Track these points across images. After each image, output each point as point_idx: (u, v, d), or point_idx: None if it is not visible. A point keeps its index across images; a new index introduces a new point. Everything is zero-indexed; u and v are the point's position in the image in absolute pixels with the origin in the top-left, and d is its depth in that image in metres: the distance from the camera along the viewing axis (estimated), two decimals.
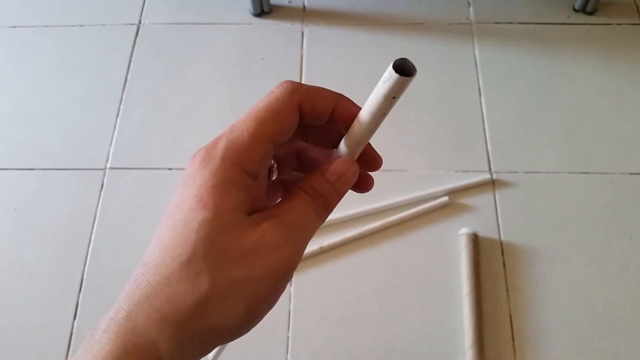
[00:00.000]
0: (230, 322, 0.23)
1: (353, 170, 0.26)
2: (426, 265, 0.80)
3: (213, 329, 0.22)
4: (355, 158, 0.27)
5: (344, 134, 0.27)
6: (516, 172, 0.87)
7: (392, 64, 0.23)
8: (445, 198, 0.83)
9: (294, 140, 0.27)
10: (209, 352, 0.24)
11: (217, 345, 0.23)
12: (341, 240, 0.81)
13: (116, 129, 0.93)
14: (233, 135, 0.24)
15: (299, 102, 0.25)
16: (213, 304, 0.22)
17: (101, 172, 0.89)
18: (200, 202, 0.23)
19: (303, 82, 0.97)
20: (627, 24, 1.03)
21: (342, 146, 0.26)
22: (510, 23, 1.03)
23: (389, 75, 0.23)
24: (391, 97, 0.24)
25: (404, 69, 0.23)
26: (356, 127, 0.26)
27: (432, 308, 0.77)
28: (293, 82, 0.25)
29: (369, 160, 0.28)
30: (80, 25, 1.05)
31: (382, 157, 0.28)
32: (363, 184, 0.28)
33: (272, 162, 0.27)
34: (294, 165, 0.29)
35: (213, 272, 0.22)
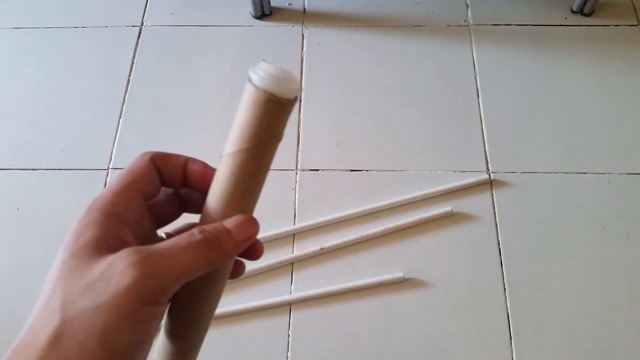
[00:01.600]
0: (85, 354, 0.21)
1: (254, 225, 0.26)
2: (424, 267, 0.81)
3: None
4: (250, 212, 0.26)
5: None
6: (514, 172, 0.87)
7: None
8: (449, 208, 0.84)
9: (173, 207, 0.30)
10: None
11: None
12: (342, 242, 0.82)
13: (119, 130, 0.94)
14: (102, 192, 0.26)
15: (152, 158, 0.27)
16: (65, 341, 0.21)
17: (104, 172, 0.90)
18: (63, 247, 0.24)
19: (303, 83, 0.98)
20: (624, 25, 1.03)
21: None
22: (508, 25, 1.04)
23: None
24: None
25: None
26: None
27: (432, 306, 0.78)
28: (150, 152, 0.27)
29: (251, 249, 0.28)
30: (83, 27, 1.06)
31: (263, 248, 0.29)
32: (253, 251, 0.28)
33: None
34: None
35: (63, 307, 0.22)
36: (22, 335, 0.22)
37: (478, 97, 0.96)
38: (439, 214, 0.84)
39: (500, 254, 0.81)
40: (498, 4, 1.06)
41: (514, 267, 0.80)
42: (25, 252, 0.83)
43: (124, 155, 0.91)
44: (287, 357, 0.75)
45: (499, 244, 0.82)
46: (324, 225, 0.84)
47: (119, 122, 0.95)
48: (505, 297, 0.78)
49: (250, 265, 0.79)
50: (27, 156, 0.92)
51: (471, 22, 1.04)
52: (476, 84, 0.97)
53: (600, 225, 0.84)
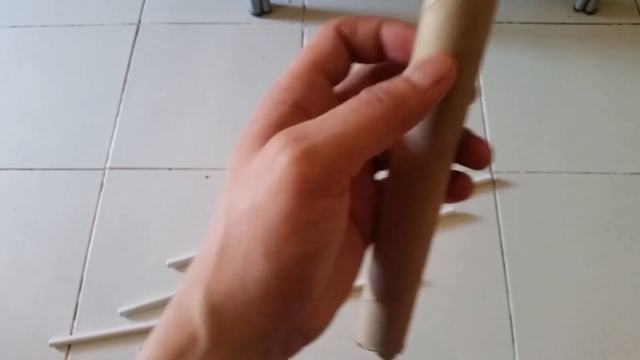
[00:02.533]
0: (255, 274, 0.17)
1: (452, 69, 0.18)
2: (429, 266, 0.80)
3: (240, 287, 0.17)
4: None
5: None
6: (517, 172, 0.87)
7: None
8: (451, 208, 0.83)
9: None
10: (258, 343, 0.18)
11: (264, 327, 0.18)
12: None
13: (116, 129, 0.93)
14: (280, 76, 0.21)
15: (337, 27, 0.22)
16: (231, 251, 0.18)
17: (101, 172, 0.89)
18: (234, 149, 0.19)
19: None
20: (627, 23, 1.03)
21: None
22: (511, 23, 1.03)
23: None
24: None
25: None
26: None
27: (431, 307, 0.77)
28: (334, 22, 0.22)
29: (471, 151, 0.21)
30: (80, 25, 1.05)
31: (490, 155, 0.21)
32: (460, 189, 0.22)
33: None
34: None
35: (227, 211, 0.18)
36: (200, 246, 0.19)
37: (480, 95, 0.95)
38: (441, 215, 0.83)
39: (503, 255, 0.80)
40: (500, 1, 1.05)
41: (517, 268, 0.79)
42: (22, 252, 0.82)
43: (121, 155, 0.90)
44: None
45: (501, 244, 0.81)
46: None
47: (116, 121, 0.94)
48: (508, 298, 0.77)
49: None
50: (24, 156, 0.91)
51: None
52: (479, 82, 0.96)
53: (603, 225, 0.83)
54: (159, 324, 0.19)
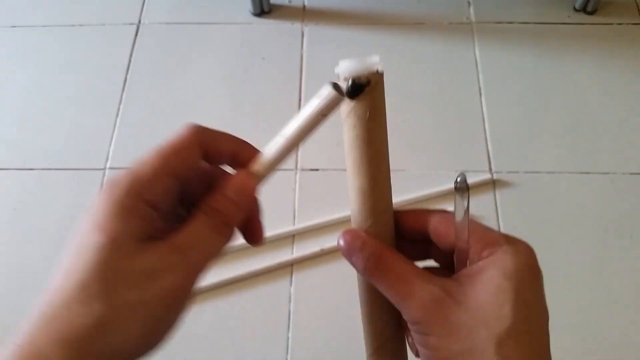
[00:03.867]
0: (129, 344, 0.23)
1: (251, 182, 0.26)
2: (427, 265, 0.80)
3: (111, 351, 0.23)
4: (264, 175, 0.26)
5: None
6: (517, 172, 0.87)
7: (329, 82, 0.25)
8: (451, 208, 0.83)
9: (202, 188, 0.28)
10: None
11: None
12: None
13: (116, 129, 0.93)
14: (137, 168, 0.25)
15: (200, 141, 0.26)
16: (109, 327, 0.22)
17: (101, 172, 0.89)
18: (97, 227, 0.24)
19: (303, 81, 0.97)
20: (627, 23, 1.03)
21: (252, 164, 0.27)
22: (511, 23, 1.03)
23: (325, 92, 0.25)
24: (321, 115, 0.25)
25: (338, 89, 0.25)
26: (274, 143, 0.26)
27: None
28: (197, 124, 0.27)
29: (253, 232, 0.28)
30: (80, 25, 1.05)
31: (263, 235, 0.29)
32: (254, 234, 0.28)
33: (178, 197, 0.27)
34: None
35: (107, 295, 0.23)
36: (54, 305, 0.23)
37: (480, 95, 0.95)
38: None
39: None
40: (500, 1, 1.05)
41: None
42: (22, 252, 0.82)
43: (121, 155, 0.90)
44: (287, 358, 0.74)
45: None
46: (324, 226, 0.83)
47: (116, 121, 0.94)
48: None
49: (247, 267, 0.78)
50: (24, 156, 0.91)
51: (473, 20, 1.03)
52: (478, 82, 0.96)
53: (603, 225, 0.83)
54: None
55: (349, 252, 0.28)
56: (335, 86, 0.25)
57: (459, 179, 0.26)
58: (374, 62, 0.25)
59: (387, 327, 0.30)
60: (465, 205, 0.26)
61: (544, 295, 0.26)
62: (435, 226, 0.28)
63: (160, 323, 0.24)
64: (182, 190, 0.26)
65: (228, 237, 0.26)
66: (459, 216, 0.26)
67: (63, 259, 0.24)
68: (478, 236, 0.26)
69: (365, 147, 0.27)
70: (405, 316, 0.26)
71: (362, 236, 0.28)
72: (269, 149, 0.26)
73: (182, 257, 0.24)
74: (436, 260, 0.30)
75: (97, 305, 0.22)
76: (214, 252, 0.25)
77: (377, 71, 0.25)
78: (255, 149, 0.27)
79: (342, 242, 0.29)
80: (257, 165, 0.26)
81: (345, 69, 0.26)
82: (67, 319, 0.23)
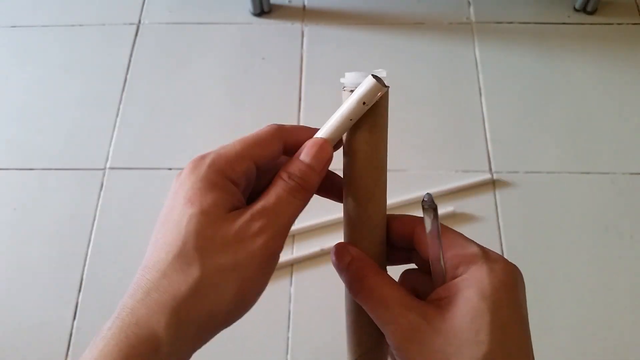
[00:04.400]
0: (223, 306, 0.25)
1: (326, 146, 0.27)
2: None
3: (207, 314, 0.24)
4: (332, 142, 0.28)
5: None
6: (516, 172, 0.87)
7: (370, 74, 0.26)
8: (451, 208, 0.83)
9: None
10: (208, 340, 0.25)
11: (215, 332, 0.25)
12: None
13: (116, 129, 0.93)
14: (222, 150, 0.27)
15: (281, 136, 0.28)
16: (205, 291, 0.24)
17: (101, 172, 0.89)
18: (189, 202, 0.25)
19: (303, 81, 0.97)
20: (627, 23, 1.03)
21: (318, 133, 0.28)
22: (511, 23, 1.03)
23: (367, 82, 0.26)
24: (362, 102, 0.26)
25: (379, 80, 0.26)
26: (326, 125, 0.28)
27: None
28: (278, 124, 0.29)
29: (334, 190, 0.30)
30: (80, 25, 1.05)
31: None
32: (335, 192, 0.30)
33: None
34: None
35: (202, 261, 0.24)
36: (151, 278, 0.24)
37: (480, 95, 0.95)
38: (440, 215, 0.83)
39: (502, 255, 0.80)
40: (500, 1, 1.05)
41: None
42: (22, 252, 0.82)
43: (121, 155, 0.90)
44: (287, 358, 0.74)
45: (501, 244, 0.81)
46: (324, 226, 0.83)
47: (115, 121, 0.94)
48: None
49: None
50: (24, 156, 0.91)
51: (473, 20, 1.03)
52: (478, 82, 0.96)
53: (603, 225, 0.83)
54: (108, 343, 0.24)
55: (337, 267, 0.29)
56: (376, 77, 0.26)
57: (425, 199, 0.26)
58: (383, 71, 0.27)
59: (369, 338, 0.31)
60: (434, 225, 0.26)
61: (524, 314, 0.26)
62: (419, 236, 0.28)
63: (251, 284, 0.25)
64: (259, 177, 0.28)
65: (306, 199, 0.27)
66: (431, 236, 0.26)
67: (157, 236, 0.26)
68: (455, 251, 0.27)
69: (364, 161, 0.28)
70: (386, 339, 0.27)
71: (351, 253, 0.29)
72: (322, 130, 0.28)
73: (266, 220, 0.26)
74: (418, 265, 0.31)
75: (194, 272, 0.24)
76: (294, 214, 0.27)
77: (383, 86, 0.26)
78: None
79: (333, 257, 0.29)
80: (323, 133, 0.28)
81: (351, 81, 0.27)
82: (165, 288, 0.24)
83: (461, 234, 0.28)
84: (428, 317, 0.25)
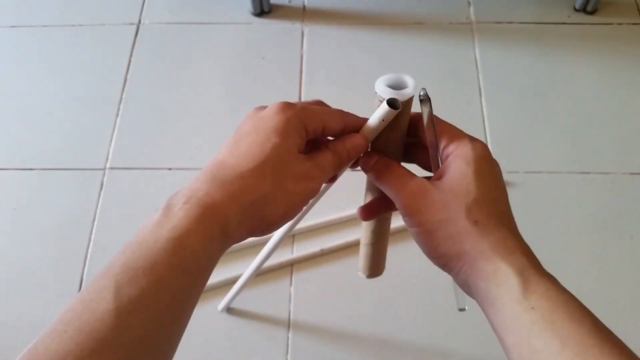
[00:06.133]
0: (274, 217, 0.32)
1: (363, 144, 0.36)
2: (426, 269, 0.80)
3: (263, 218, 0.31)
4: (369, 140, 0.37)
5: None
6: (517, 172, 0.87)
7: (386, 100, 0.34)
8: None
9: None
10: (249, 237, 0.32)
11: (259, 233, 0.32)
12: (342, 244, 0.81)
13: (116, 129, 0.93)
14: (306, 105, 0.35)
15: (345, 121, 0.36)
16: (268, 201, 0.31)
17: (101, 172, 0.89)
18: (277, 132, 0.32)
19: (303, 81, 0.97)
20: (627, 23, 1.03)
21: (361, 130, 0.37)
22: (511, 23, 1.03)
23: (381, 106, 0.34)
24: (381, 120, 0.35)
25: (394, 103, 0.34)
26: (366, 126, 0.37)
27: (430, 309, 0.77)
28: (346, 111, 0.37)
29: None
30: (80, 25, 1.05)
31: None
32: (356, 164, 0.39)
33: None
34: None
35: (276, 180, 0.31)
36: (228, 174, 0.31)
37: (480, 95, 0.95)
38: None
39: None
40: (500, 1, 1.05)
41: None
42: (22, 252, 0.82)
43: (121, 155, 0.90)
44: (287, 358, 0.74)
45: None
46: (324, 226, 0.83)
47: (116, 121, 0.94)
48: None
49: (239, 270, 0.78)
50: (24, 156, 0.91)
51: (473, 20, 1.03)
52: (478, 82, 0.96)
53: (603, 225, 0.83)
54: (188, 213, 0.29)
55: (365, 167, 0.37)
56: (391, 102, 0.34)
57: (421, 93, 0.35)
58: (410, 87, 0.35)
59: (379, 229, 0.42)
60: (429, 115, 0.35)
61: (501, 177, 0.35)
62: (422, 127, 0.36)
63: (295, 209, 0.33)
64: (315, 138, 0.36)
65: (338, 171, 0.36)
66: (427, 124, 0.35)
67: (236, 145, 0.33)
68: (447, 135, 0.35)
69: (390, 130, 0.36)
70: (398, 205, 0.35)
71: (376, 157, 0.37)
72: (362, 131, 0.37)
73: (322, 172, 0.34)
74: (420, 165, 0.39)
75: (266, 184, 0.31)
76: (330, 177, 0.36)
77: (397, 108, 0.34)
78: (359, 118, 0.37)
79: (361, 162, 0.37)
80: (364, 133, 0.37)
81: (380, 90, 0.35)
82: (240, 186, 0.30)
83: (452, 124, 0.36)
84: (430, 182, 0.34)
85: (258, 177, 0.31)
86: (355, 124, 0.37)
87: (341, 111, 0.37)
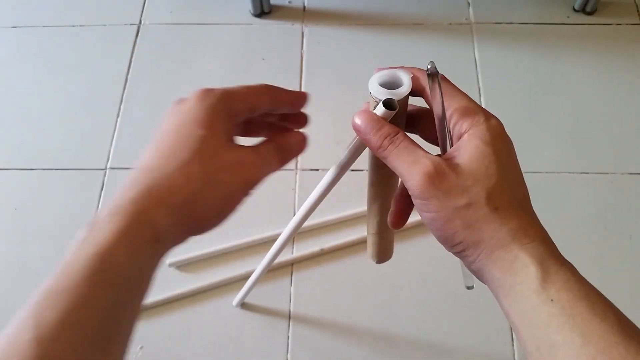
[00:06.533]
0: (210, 213, 0.30)
1: (304, 141, 0.36)
2: (426, 267, 0.80)
3: (197, 216, 0.30)
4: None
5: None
6: None
7: (382, 101, 0.32)
8: None
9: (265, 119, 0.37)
10: (187, 239, 0.30)
11: (196, 234, 0.30)
12: (342, 244, 0.81)
13: (117, 129, 0.93)
14: (228, 88, 0.32)
15: (270, 94, 0.34)
16: (200, 197, 0.29)
17: (102, 172, 0.89)
18: (199, 124, 0.30)
19: (303, 81, 0.97)
20: (626, 24, 1.03)
21: None
22: (510, 23, 1.03)
23: (378, 108, 0.32)
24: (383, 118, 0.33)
25: (390, 104, 0.32)
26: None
27: (431, 308, 0.77)
28: (269, 84, 0.35)
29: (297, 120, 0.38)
30: (81, 26, 1.05)
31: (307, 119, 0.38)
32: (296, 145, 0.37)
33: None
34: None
35: (204, 175, 0.29)
36: (153, 177, 0.29)
37: (480, 96, 0.95)
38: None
39: None
40: (499, 2, 1.05)
41: None
42: (22, 252, 0.82)
43: (122, 155, 0.90)
44: (287, 358, 0.74)
45: None
46: (324, 226, 0.83)
47: (116, 121, 0.94)
48: None
49: (248, 267, 0.79)
50: (24, 156, 0.91)
51: (473, 21, 1.03)
52: (478, 82, 0.96)
53: (602, 225, 0.83)
54: (112, 225, 0.27)
55: (365, 131, 0.33)
56: (387, 103, 0.32)
57: (429, 67, 0.32)
58: (405, 85, 0.33)
59: (385, 219, 0.41)
60: (437, 89, 0.32)
61: (517, 158, 0.33)
62: (427, 95, 0.34)
63: (233, 201, 0.31)
64: (246, 121, 0.34)
65: (282, 165, 0.34)
66: (435, 100, 0.32)
67: (159, 144, 0.31)
68: (457, 108, 0.32)
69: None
70: (412, 188, 0.31)
71: (380, 121, 0.33)
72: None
73: (259, 159, 0.32)
74: (422, 136, 0.37)
75: (195, 181, 0.29)
76: (273, 169, 0.34)
77: (393, 109, 0.32)
78: (303, 94, 0.36)
79: (358, 121, 0.33)
80: None
81: (373, 89, 0.33)
82: (168, 188, 0.29)
83: (462, 92, 0.33)
84: (446, 161, 0.30)
85: (185, 174, 0.29)
86: (283, 97, 0.35)
87: (267, 86, 0.34)
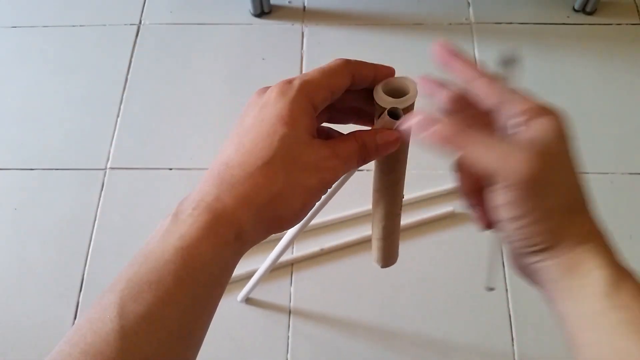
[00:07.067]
0: (290, 213, 0.30)
1: (397, 143, 0.33)
2: (426, 267, 0.80)
3: (278, 217, 0.29)
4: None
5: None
6: None
7: (387, 110, 0.32)
8: (451, 208, 0.83)
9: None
10: (266, 237, 0.30)
11: (275, 232, 0.30)
12: (342, 243, 0.81)
13: (117, 129, 0.93)
14: (306, 77, 0.31)
15: (350, 70, 0.32)
16: (282, 198, 0.29)
17: (101, 172, 0.89)
18: (282, 121, 0.29)
19: None
20: (626, 24, 1.03)
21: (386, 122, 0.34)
22: (510, 23, 1.03)
23: (383, 117, 0.33)
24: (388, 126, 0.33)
25: (395, 113, 0.33)
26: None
27: (431, 307, 0.77)
28: (346, 58, 0.33)
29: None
30: (81, 26, 1.05)
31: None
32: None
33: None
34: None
35: (287, 174, 0.29)
36: (236, 175, 0.29)
37: None
38: (440, 215, 0.83)
39: (502, 255, 0.80)
40: (499, 2, 1.05)
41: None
42: (23, 252, 0.82)
43: (121, 155, 0.90)
44: (287, 358, 0.74)
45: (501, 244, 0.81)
46: (324, 226, 0.83)
47: (116, 121, 0.94)
48: (508, 298, 0.77)
49: (248, 267, 0.79)
50: (24, 156, 0.91)
51: (473, 21, 1.03)
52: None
53: (602, 225, 0.83)
54: (197, 220, 0.27)
55: (422, 127, 0.31)
56: (392, 112, 0.32)
57: (508, 53, 0.32)
58: (411, 93, 0.33)
59: (390, 225, 0.42)
60: (509, 78, 0.31)
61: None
62: (479, 87, 0.34)
63: (312, 203, 0.31)
64: (330, 106, 0.33)
65: (361, 164, 0.33)
66: (505, 89, 0.31)
67: (240, 140, 0.30)
68: (514, 100, 0.31)
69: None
70: (503, 186, 0.28)
71: (437, 118, 0.31)
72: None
73: (339, 162, 0.31)
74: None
75: (277, 181, 0.29)
76: (351, 169, 0.33)
77: (397, 119, 0.32)
78: (388, 68, 0.35)
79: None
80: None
81: (384, 101, 0.33)
82: (252, 187, 0.28)
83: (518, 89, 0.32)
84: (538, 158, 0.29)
85: (268, 174, 0.28)
86: (365, 73, 0.33)
87: (346, 62, 0.32)
